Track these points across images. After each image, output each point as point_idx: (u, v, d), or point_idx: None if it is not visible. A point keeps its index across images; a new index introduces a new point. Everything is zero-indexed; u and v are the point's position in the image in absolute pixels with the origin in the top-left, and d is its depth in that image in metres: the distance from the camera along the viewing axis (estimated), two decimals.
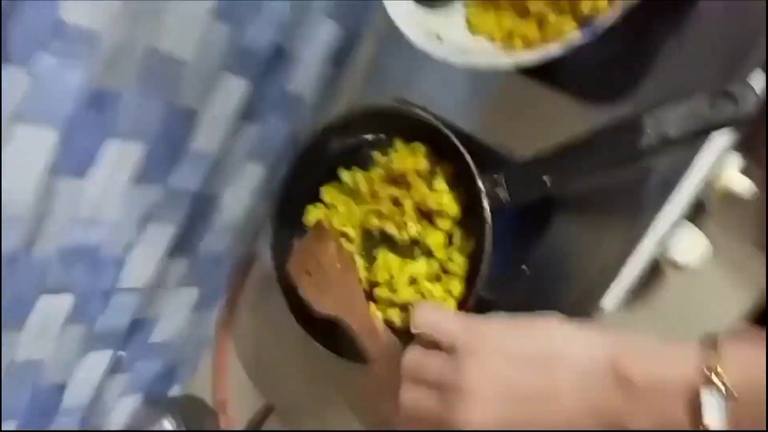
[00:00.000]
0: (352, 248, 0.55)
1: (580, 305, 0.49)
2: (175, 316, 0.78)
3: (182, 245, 0.71)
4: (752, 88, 0.38)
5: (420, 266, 0.51)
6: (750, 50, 0.45)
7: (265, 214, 0.79)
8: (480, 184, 0.47)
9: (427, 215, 0.52)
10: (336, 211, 0.56)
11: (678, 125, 0.40)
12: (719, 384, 0.29)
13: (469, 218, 0.51)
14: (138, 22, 0.53)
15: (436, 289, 0.50)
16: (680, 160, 0.46)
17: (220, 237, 0.76)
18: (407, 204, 0.52)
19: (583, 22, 0.42)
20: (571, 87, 0.51)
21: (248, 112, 0.67)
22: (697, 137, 0.41)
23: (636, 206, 0.48)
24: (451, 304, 0.50)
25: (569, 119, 0.51)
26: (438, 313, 0.40)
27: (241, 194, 0.74)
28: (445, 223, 0.51)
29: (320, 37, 0.69)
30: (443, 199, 0.50)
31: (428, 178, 0.52)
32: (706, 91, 0.40)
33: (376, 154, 0.56)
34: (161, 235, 0.68)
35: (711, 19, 0.47)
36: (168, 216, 0.67)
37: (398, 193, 0.53)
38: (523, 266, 0.52)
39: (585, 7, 0.41)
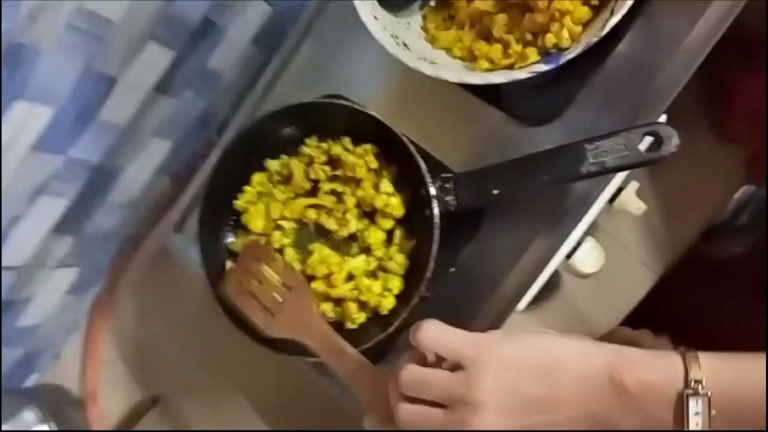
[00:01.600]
0: (286, 241, 0.55)
1: (500, 306, 0.54)
2: (48, 298, 0.70)
3: (70, 221, 0.65)
4: (676, 133, 0.45)
5: (359, 263, 0.53)
6: (659, 94, 0.52)
7: (163, 193, 0.74)
8: (432, 189, 0.49)
9: (368, 213, 0.54)
10: (271, 199, 0.55)
11: (614, 157, 0.45)
12: (701, 391, 0.34)
13: (412, 218, 0.53)
14: None
15: (375, 286, 0.52)
16: (594, 182, 0.53)
17: (111, 214, 0.70)
18: (350, 201, 0.53)
19: (545, 52, 0.46)
20: (505, 105, 0.56)
21: (164, 85, 0.63)
22: (626, 169, 0.47)
23: (557, 219, 0.53)
24: (391, 301, 0.52)
25: (500, 134, 0.56)
26: (444, 330, 0.40)
27: (142, 170, 0.69)
28: (387, 223, 0.53)
29: (249, 15, 0.66)
30: (390, 200, 0.52)
31: (374, 178, 0.53)
32: (638, 126, 0.46)
33: (311, 147, 0.56)
34: (51, 210, 0.61)
35: (628, 59, 0.54)
36: (62, 189, 0.61)
37: (341, 189, 0.53)
38: (452, 268, 0.55)
39: (549, 42, 0.45)
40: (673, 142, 0.45)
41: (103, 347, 0.78)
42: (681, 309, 0.58)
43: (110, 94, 0.57)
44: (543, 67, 0.44)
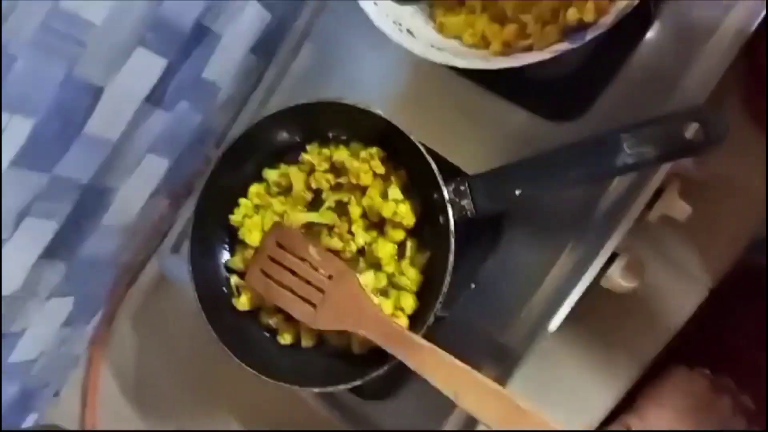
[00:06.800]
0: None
1: (528, 327, 0.48)
2: (43, 331, 0.65)
3: (61, 246, 0.60)
4: (724, 118, 0.39)
5: (368, 280, 0.47)
6: (695, 85, 0.46)
7: (162, 216, 0.69)
8: (446, 193, 0.43)
9: (376, 224, 0.48)
10: (269, 211, 0.50)
11: (656, 146, 0.39)
12: None
13: (424, 229, 0.47)
14: None
15: (386, 305, 0.46)
16: (629, 183, 0.47)
17: (106, 239, 0.65)
18: (355, 211, 0.48)
19: (568, 31, 0.40)
20: (526, 102, 0.50)
21: (157, 96, 0.59)
22: (669, 160, 0.41)
23: (587, 228, 0.47)
24: (403, 320, 0.46)
25: (523, 133, 0.50)
26: None
27: (138, 191, 0.65)
28: (397, 234, 0.47)
29: (246, 22, 0.62)
30: (399, 208, 0.46)
31: (381, 185, 0.48)
32: (681, 114, 0.40)
33: (312, 154, 0.51)
34: (39, 234, 0.57)
35: (660, 47, 0.48)
36: (50, 210, 0.56)
37: (346, 198, 0.48)
38: (473, 284, 0.49)
39: (572, 16, 0.39)
40: (722, 127, 0.39)
41: (102, 383, 0.73)
42: (727, 331, 0.51)
43: (97, 105, 0.53)
44: (567, 46, 0.39)
